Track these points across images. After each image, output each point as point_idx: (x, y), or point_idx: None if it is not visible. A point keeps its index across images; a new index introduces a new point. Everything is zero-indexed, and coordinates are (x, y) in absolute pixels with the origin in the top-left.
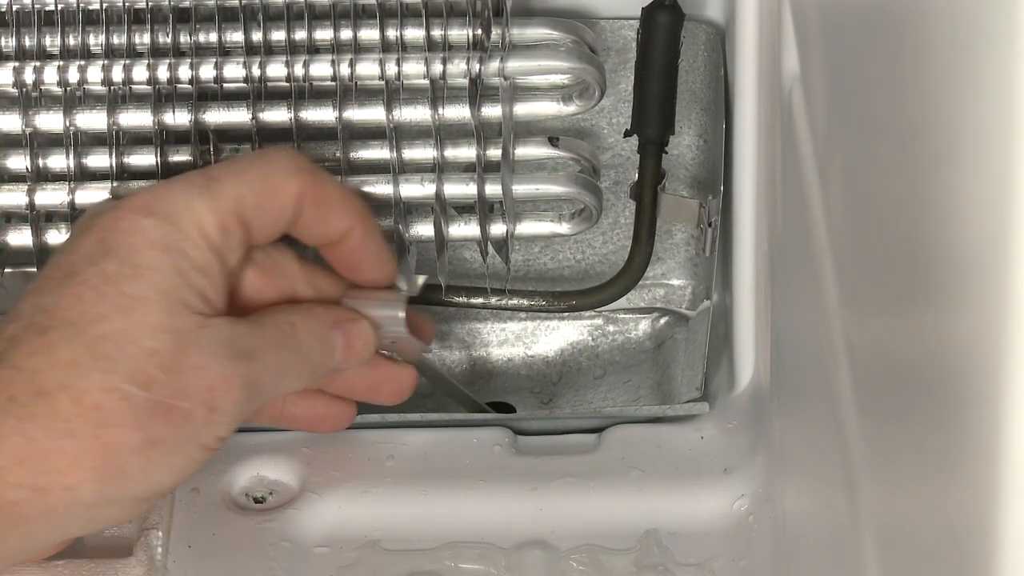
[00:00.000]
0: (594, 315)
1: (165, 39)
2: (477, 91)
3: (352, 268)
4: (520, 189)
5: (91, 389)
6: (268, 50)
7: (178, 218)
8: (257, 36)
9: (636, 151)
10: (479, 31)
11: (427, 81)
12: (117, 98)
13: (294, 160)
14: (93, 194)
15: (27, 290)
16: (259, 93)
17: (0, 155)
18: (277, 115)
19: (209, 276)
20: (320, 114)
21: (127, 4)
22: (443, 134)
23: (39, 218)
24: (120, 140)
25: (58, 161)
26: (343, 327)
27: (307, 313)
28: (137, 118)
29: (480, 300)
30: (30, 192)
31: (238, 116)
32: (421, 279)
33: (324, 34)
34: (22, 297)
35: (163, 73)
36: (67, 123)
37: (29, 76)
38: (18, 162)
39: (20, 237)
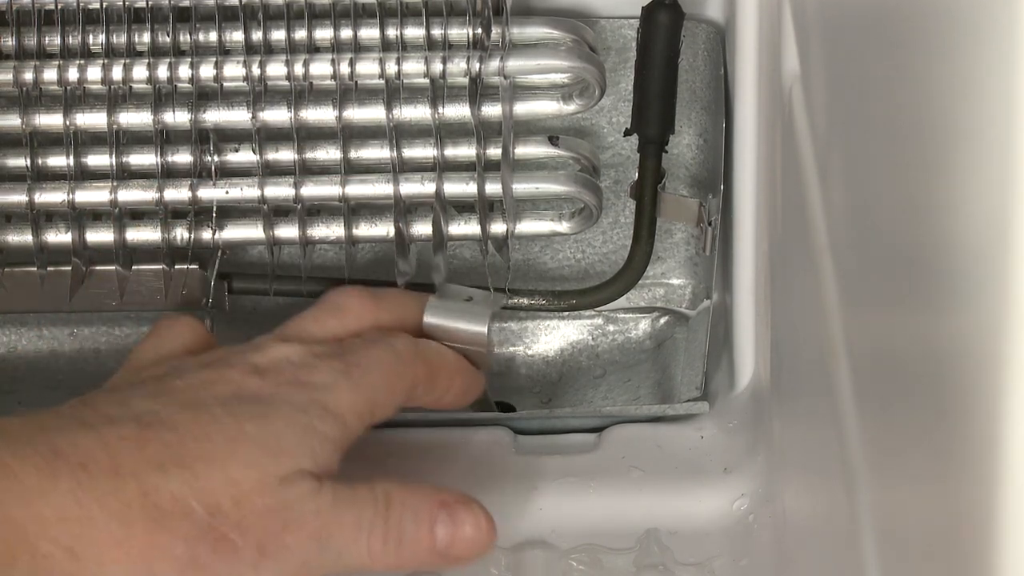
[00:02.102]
0: (594, 314)
1: (165, 38)
2: (477, 90)
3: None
4: (520, 188)
5: (162, 491)
6: (268, 49)
7: (325, 396)
8: (257, 35)
9: (636, 150)
10: (479, 30)
11: (427, 80)
12: (117, 98)
13: (413, 348)
14: (93, 194)
15: (136, 381)
16: (259, 92)
17: (0, 154)
18: (277, 114)
19: (330, 445)
20: (320, 113)
21: (127, 3)
22: (443, 133)
23: (39, 218)
24: (120, 139)
25: (58, 160)
26: (450, 507)
27: (412, 488)
28: (137, 118)
29: None
30: (30, 191)
31: (238, 115)
32: (503, 298)
33: (324, 33)
34: (134, 383)
35: (163, 72)
36: (67, 122)
37: (29, 75)
38: (18, 162)
39: (20, 237)
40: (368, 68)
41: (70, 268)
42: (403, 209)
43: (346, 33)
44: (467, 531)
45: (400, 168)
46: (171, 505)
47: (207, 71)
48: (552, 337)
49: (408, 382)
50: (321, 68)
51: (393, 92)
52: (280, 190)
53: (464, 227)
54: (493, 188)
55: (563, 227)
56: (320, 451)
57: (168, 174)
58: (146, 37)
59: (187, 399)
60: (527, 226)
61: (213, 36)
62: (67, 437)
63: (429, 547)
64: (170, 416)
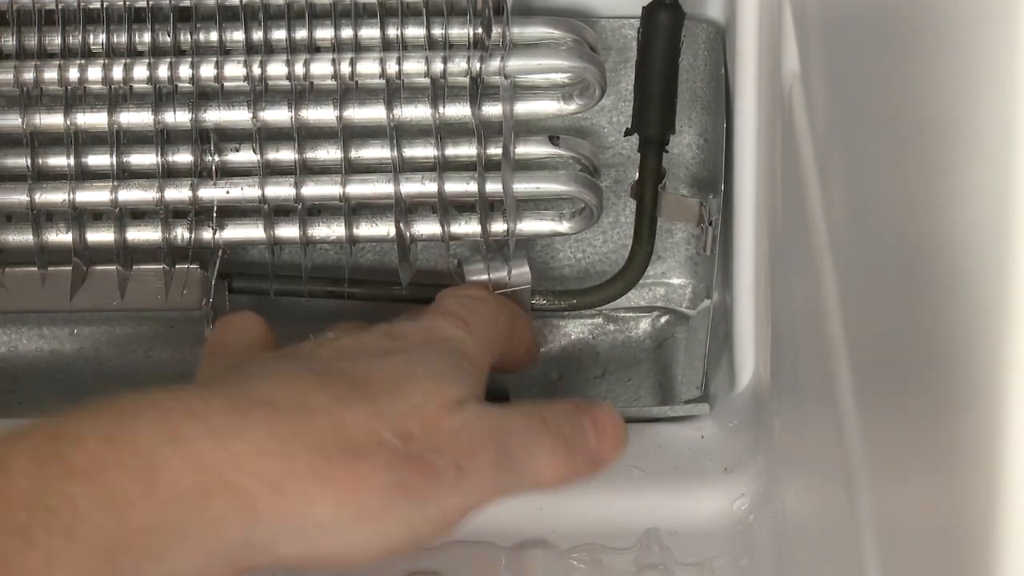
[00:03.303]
0: (594, 314)
1: (165, 38)
2: (478, 90)
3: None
4: (521, 188)
5: (353, 424)
6: (268, 49)
7: (459, 347)
8: (258, 35)
9: (636, 150)
10: (480, 30)
11: (428, 80)
12: (117, 97)
13: (506, 304)
14: (93, 194)
15: (309, 344)
16: (259, 92)
17: (0, 154)
18: (278, 114)
19: (473, 369)
20: (321, 113)
21: (127, 3)
22: (444, 133)
23: (39, 217)
24: (120, 139)
25: (58, 160)
26: (588, 412)
27: (550, 403)
28: (137, 117)
29: None
30: (30, 191)
31: (238, 115)
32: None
33: (324, 33)
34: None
35: (163, 72)
36: (67, 122)
37: (29, 75)
38: (18, 161)
39: (21, 236)
40: (369, 68)
41: (70, 268)
42: (404, 209)
43: (347, 33)
44: (608, 430)
45: (401, 168)
46: (364, 437)
47: (207, 71)
48: (552, 336)
49: (506, 335)
50: (322, 68)
51: (394, 92)
52: (281, 190)
53: (465, 227)
54: (494, 188)
55: (564, 227)
56: (473, 386)
57: (168, 174)
58: (146, 37)
59: (344, 357)
60: (528, 226)
61: (214, 36)
62: (248, 381)
63: (586, 452)
64: (338, 366)
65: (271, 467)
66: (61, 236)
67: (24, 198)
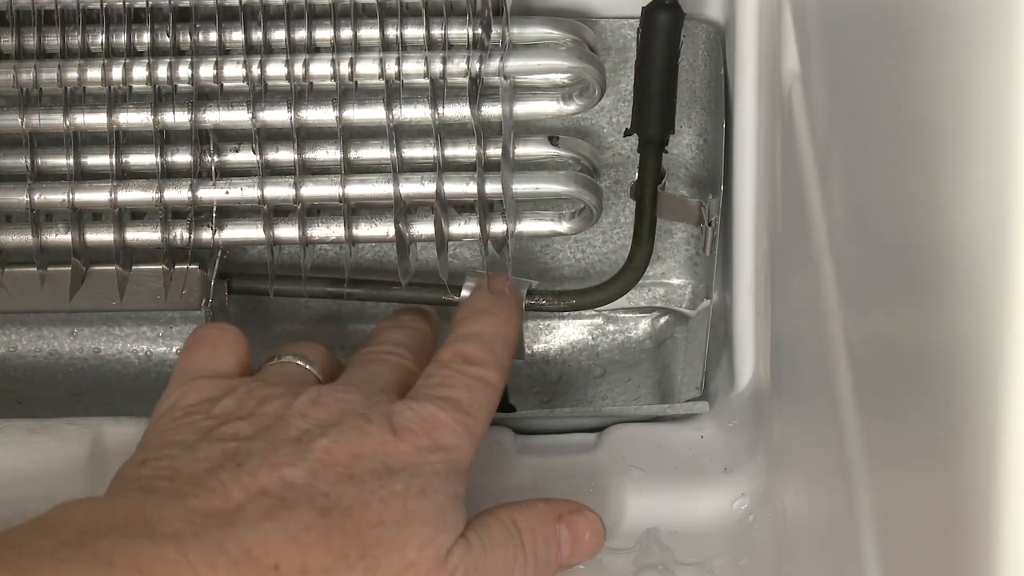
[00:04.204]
0: (594, 314)
1: (165, 39)
2: (477, 90)
3: None
4: (520, 188)
5: None
6: (268, 50)
7: (458, 456)
8: (257, 35)
9: (636, 150)
10: (479, 30)
11: (427, 80)
12: (117, 98)
13: (499, 376)
14: (93, 194)
15: (238, 412)
16: (259, 93)
17: (0, 154)
18: (277, 115)
19: (462, 485)
20: (320, 113)
21: (127, 3)
22: (443, 133)
23: (39, 218)
24: (120, 140)
25: (58, 160)
26: (567, 519)
27: (530, 509)
28: (137, 118)
29: None
30: (30, 192)
31: (238, 115)
32: (528, 283)
33: (324, 33)
34: (238, 417)
35: (163, 73)
36: (67, 123)
37: (29, 76)
38: (18, 162)
39: (20, 237)
40: (368, 68)
41: (70, 268)
42: (403, 209)
43: (346, 33)
44: (587, 539)
45: (400, 168)
46: None
47: (207, 71)
48: (552, 337)
49: (498, 400)
50: (321, 68)
51: (393, 92)
52: (280, 190)
53: (464, 227)
54: (493, 188)
55: (563, 227)
56: (464, 512)
57: (168, 174)
58: (146, 37)
59: (341, 472)
60: (527, 226)
61: (213, 36)
62: (255, 532)
63: (556, 562)
64: (339, 498)
65: None
66: (60, 236)
67: (23, 198)
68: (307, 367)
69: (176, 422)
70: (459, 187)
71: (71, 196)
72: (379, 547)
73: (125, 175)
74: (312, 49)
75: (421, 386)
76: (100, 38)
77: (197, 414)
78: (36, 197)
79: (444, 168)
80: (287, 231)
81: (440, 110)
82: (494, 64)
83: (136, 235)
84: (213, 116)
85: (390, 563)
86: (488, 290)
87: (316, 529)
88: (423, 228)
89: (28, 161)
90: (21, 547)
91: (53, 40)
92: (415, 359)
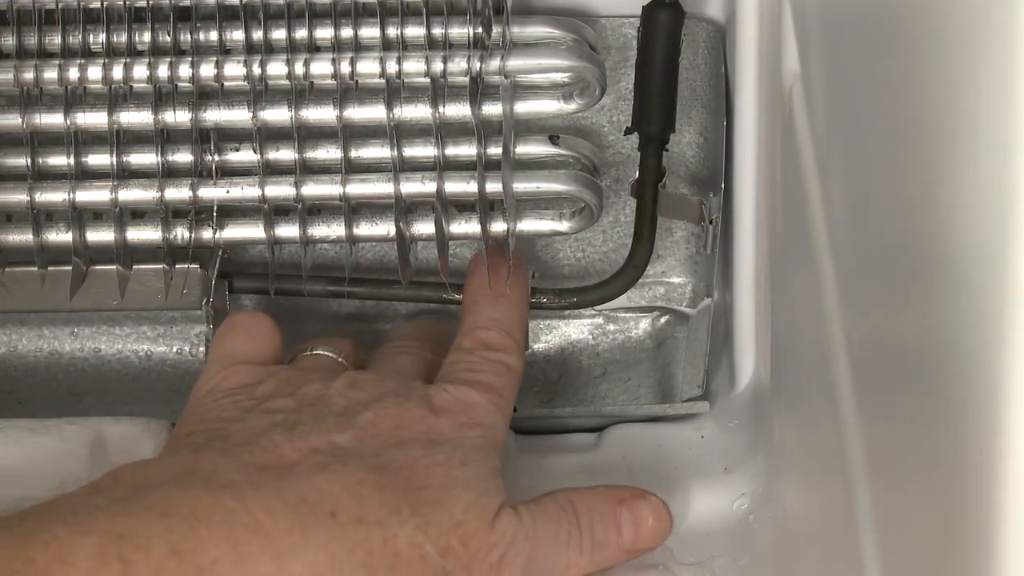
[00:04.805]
0: (594, 314)
1: (165, 38)
2: (478, 89)
3: None
4: (521, 187)
5: (400, 536)
6: (268, 49)
7: (494, 433)
8: (257, 35)
9: (636, 149)
10: (479, 29)
11: (427, 79)
12: (117, 97)
13: (520, 361)
14: (93, 193)
15: (277, 395)
16: (259, 92)
17: (0, 154)
18: (278, 114)
19: (500, 460)
20: (321, 112)
21: (127, 3)
22: (444, 132)
23: (39, 217)
24: (120, 139)
25: (58, 160)
26: (628, 503)
27: (590, 492)
28: (138, 117)
29: None
30: (30, 191)
31: (238, 115)
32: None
33: (324, 32)
34: (280, 397)
35: (163, 72)
36: (67, 122)
37: (29, 75)
38: (18, 161)
39: (21, 236)
40: (369, 67)
41: (70, 268)
42: (404, 208)
43: (347, 32)
44: (650, 523)
45: (401, 167)
46: (408, 551)
47: (208, 70)
48: (552, 336)
49: (520, 382)
50: (321, 67)
51: (394, 91)
52: (281, 189)
53: (465, 226)
54: (494, 187)
55: (563, 226)
56: (504, 485)
57: (169, 173)
58: (147, 37)
59: (387, 440)
60: (528, 225)
61: (214, 35)
62: (311, 482)
63: (617, 546)
64: (390, 459)
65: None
66: (61, 236)
67: (24, 198)
68: (339, 359)
69: (218, 402)
70: (460, 186)
71: (72, 195)
72: (426, 505)
73: (126, 174)
74: (313, 48)
75: (450, 372)
76: (101, 37)
77: (240, 395)
78: (37, 196)
79: (445, 167)
80: (288, 230)
81: (441, 109)
82: (495, 63)
83: (137, 234)
84: (214, 115)
85: (439, 521)
86: (492, 273)
87: (369, 483)
88: (424, 227)
89: (29, 160)
90: (75, 506)
91: (54, 39)
92: (432, 351)
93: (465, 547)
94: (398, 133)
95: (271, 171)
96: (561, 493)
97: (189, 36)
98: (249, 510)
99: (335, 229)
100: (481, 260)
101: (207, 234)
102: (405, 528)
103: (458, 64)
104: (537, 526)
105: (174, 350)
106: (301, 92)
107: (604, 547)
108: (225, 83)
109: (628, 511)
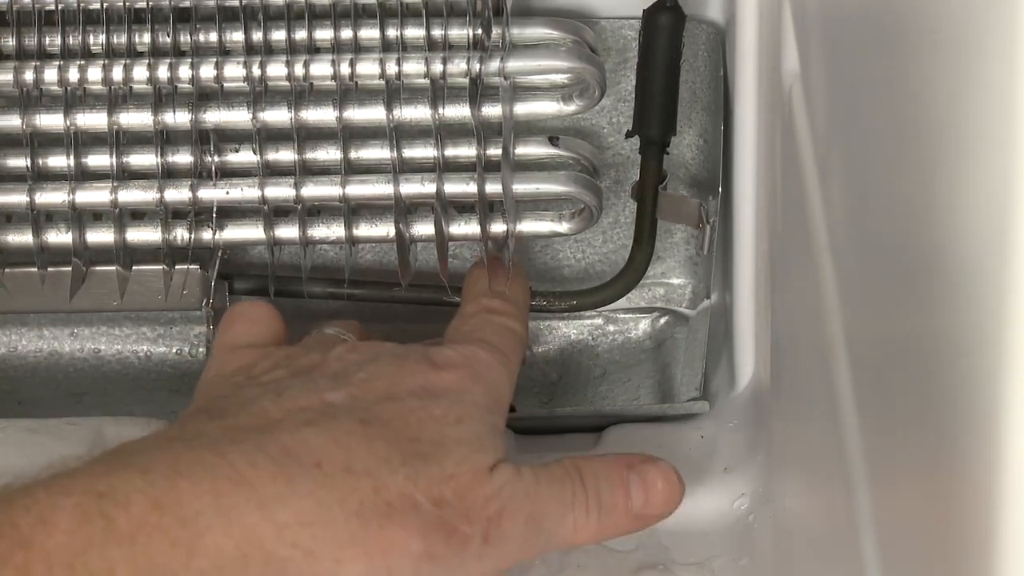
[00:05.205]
0: (594, 314)
1: (165, 39)
2: (477, 91)
3: None
4: (520, 188)
5: (391, 486)
6: (268, 50)
7: (499, 391)
8: (257, 36)
9: (636, 151)
10: (479, 31)
11: (427, 81)
12: (117, 98)
13: (525, 326)
14: (93, 194)
15: (277, 369)
16: (259, 93)
17: (0, 155)
18: (277, 115)
19: (504, 435)
20: (320, 114)
21: (127, 4)
22: (443, 133)
23: (39, 218)
24: (120, 140)
25: (58, 161)
26: (637, 468)
27: (598, 458)
28: (137, 118)
29: None
30: (30, 192)
31: (238, 116)
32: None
33: (324, 34)
34: (281, 368)
35: (163, 73)
36: (67, 123)
37: (29, 76)
38: (18, 162)
39: (20, 237)
40: (368, 68)
41: (70, 268)
42: (403, 209)
43: (346, 34)
44: (659, 487)
45: (400, 168)
46: (400, 501)
47: (207, 71)
48: (552, 337)
49: (524, 352)
50: (321, 68)
51: (393, 92)
52: (280, 190)
53: (464, 227)
54: (493, 188)
55: (563, 227)
56: (503, 443)
57: (168, 174)
58: (146, 37)
59: (381, 395)
60: (527, 226)
61: (213, 36)
62: (295, 436)
63: (626, 510)
64: (381, 411)
65: (310, 535)
66: (61, 236)
67: (24, 198)
68: (343, 337)
69: (216, 385)
70: (459, 187)
71: (72, 196)
72: (416, 457)
73: (126, 175)
74: (312, 49)
75: (453, 334)
76: (101, 38)
77: (238, 376)
78: (37, 197)
79: (444, 168)
80: (287, 231)
81: (440, 110)
82: (494, 64)
83: (136, 235)
84: (213, 116)
85: (429, 473)
86: (492, 275)
87: (357, 434)
88: (423, 228)
89: (28, 161)
90: (57, 472)
91: (54, 40)
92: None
93: (460, 499)
94: (398, 134)
95: (271, 172)
96: (567, 459)
97: (189, 37)
98: (230, 463)
99: (335, 230)
100: (480, 263)
101: (207, 235)
102: (396, 478)
103: (458, 65)
104: (540, 487)
105: (174, 351)
106: (301, 93)
107: (612, 510)
108: (225, 84)
109: (637, 475)
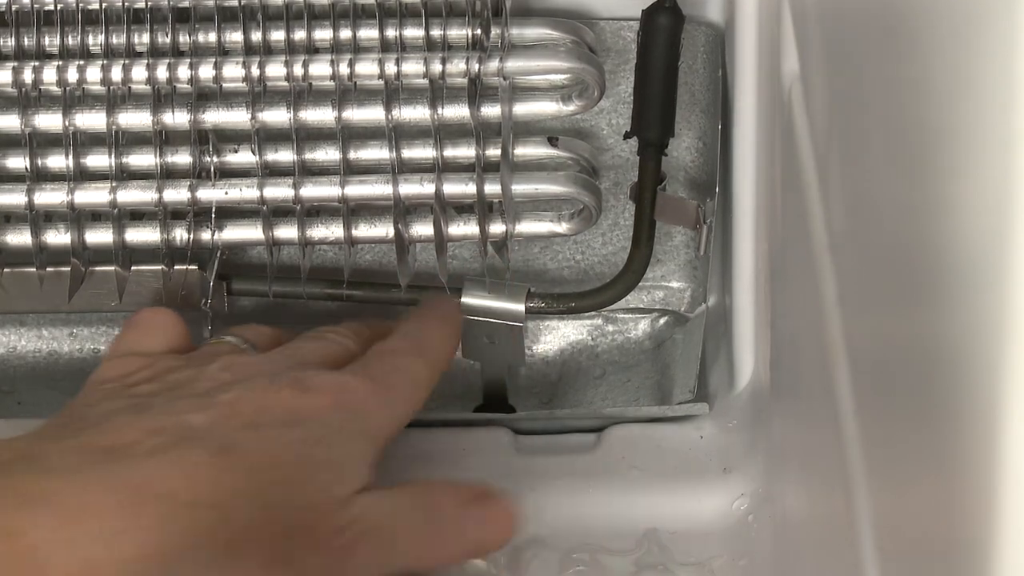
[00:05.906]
0: (594, 315)
1: (164, 39)
2: (476, 91)
3: None
4: (519, 189)
5: (240, 517)
6: (267, 50)
7: (369, 421)
8: (256, 36)
9: (635, 152)
10: (478, 31)
11: (426, 81)
12: (116, 98)
13: (440, 356)
14: (92, 194)
15: (151, 381)
16: (258, 93)
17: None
18: (276, 115)
19: (371, 466)
20: (319, 114)
21: (126, 4)
22: (442, 134)
23: (38, 218)
24: (119, 140)
25: (57, 161)
26: (481, 500)
27: (439, 485)
28: (136, 118)
29: None
30: (29, 192)
31: (237, 116)
32: (526, 288)
33: (323, 34)
34: (153, 384)
35: (162, 73)
36: (66, 123)
37: (28, 76)
38: (17, 162)
39: (19, 237)
40: (367, 69)
41: (69, 268)
42: (402, 210)
43: (345, 34)
44: (500, 520)
45: (399, 169)
46: (248, 532)
47: (206, 72)
48: (551, 337)
49: (426, 393)
50: (320, 69)
51: (392, 93)
52: (279, 191)
53: (463, 228)
54: (492, 189)
55: (562, 228)
56: (368, 472)
57: (167, 175)
58: (145, 38)
59: (244, 422)
60: (526, 227)
61: (212, 37)
62: (145, 465)
63: (465, 539)
64: (240, 440)
65: (155, 570)
66: (60, 237)
67: (23, 199)
68: (241, 346)
69: (90, 393)
70: (458, 188)
71: (71, 196)
72: (274, 488)
73: (125, 175)
74: (311, 50)
75: (344, 368)
76: (100, 38)
77: (112, 383)
78: (36, 197)
79: (443, 169)
80: (286, 232)
81: (439, 111)
82: (493, 65)
83: (135, 235)
84: (212, 117)
85: (286, 502)
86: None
87: (207, 465)
88: (422, 229)
89: (28, 161)
90: None
91: (53, 40)
92: (362, 346)
93: (310, 530)
94: (397, 134)
95: (270, 172)
96: (412, 485)
97: (188, 37)
98: (75, 492)
99: (334, 231)
100: (427, 308)
101: (206, 235)
102: (246, 511)
103: (457, 65)
104: (393, 513)
105: None
106: (300, 93)
107: (454, 539)
108: (224, 84)
109: (478, 507)
